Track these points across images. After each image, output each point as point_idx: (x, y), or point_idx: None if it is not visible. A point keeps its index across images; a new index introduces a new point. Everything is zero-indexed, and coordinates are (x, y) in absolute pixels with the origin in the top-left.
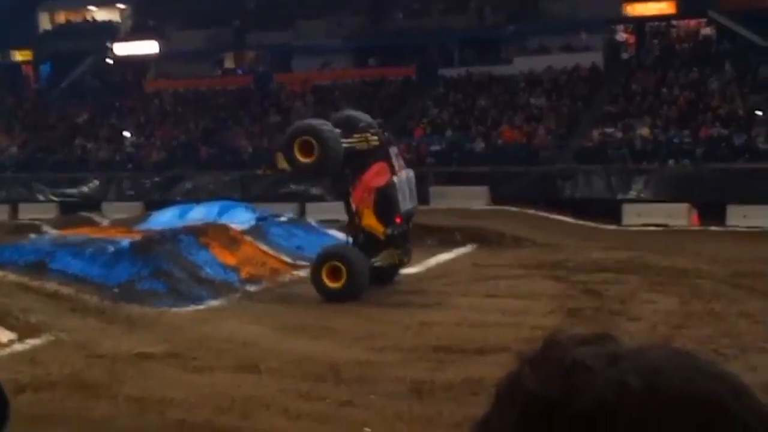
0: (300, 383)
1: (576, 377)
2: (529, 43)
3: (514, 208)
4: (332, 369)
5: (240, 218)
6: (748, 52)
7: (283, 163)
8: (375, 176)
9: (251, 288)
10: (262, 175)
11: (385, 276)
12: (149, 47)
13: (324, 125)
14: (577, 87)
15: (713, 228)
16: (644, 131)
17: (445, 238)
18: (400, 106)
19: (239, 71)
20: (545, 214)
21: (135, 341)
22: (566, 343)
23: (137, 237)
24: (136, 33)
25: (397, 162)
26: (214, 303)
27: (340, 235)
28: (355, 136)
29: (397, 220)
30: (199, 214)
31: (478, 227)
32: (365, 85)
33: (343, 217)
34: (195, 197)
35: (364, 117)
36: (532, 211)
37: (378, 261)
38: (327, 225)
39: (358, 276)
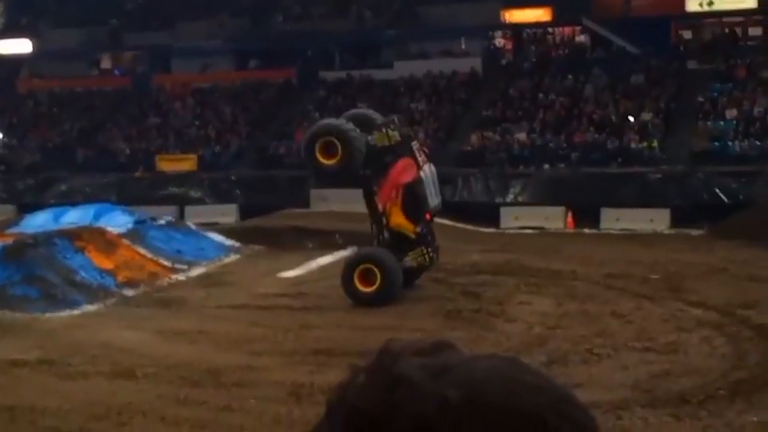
0: (178, 389)
1: (398, 391)
2: (410, 48)
3: None
4: (211, 374)
5: (117, 221)
6: (620, 59)
7: (162, 166)
8: (402, 172)
9: (128, 292)
10: (140, 177)
11: (413, 277)
12: (22, 46)
13: (347, 124)
14: (456, 92)
15: (587, 231)
16: (521, 136)
17: (326, 241)
18: (280, 108)
19: (117, 72)
20: None
21: (6, 348)
22: (397, 354)
23: (9, 241)
24: (8, 31)
25: (420, 156)
26: (89, 308)
27: (220, 238)
28: (376, 133)
29: (427, 217)
30: (74, 217)
31: (359, 230)
32: (246, 88)
33: (223, 219)
34: (70, 200)
35: (377, 114)
36: None
37: (408, 261)
38: (206, 228)
39: (393, 278)
